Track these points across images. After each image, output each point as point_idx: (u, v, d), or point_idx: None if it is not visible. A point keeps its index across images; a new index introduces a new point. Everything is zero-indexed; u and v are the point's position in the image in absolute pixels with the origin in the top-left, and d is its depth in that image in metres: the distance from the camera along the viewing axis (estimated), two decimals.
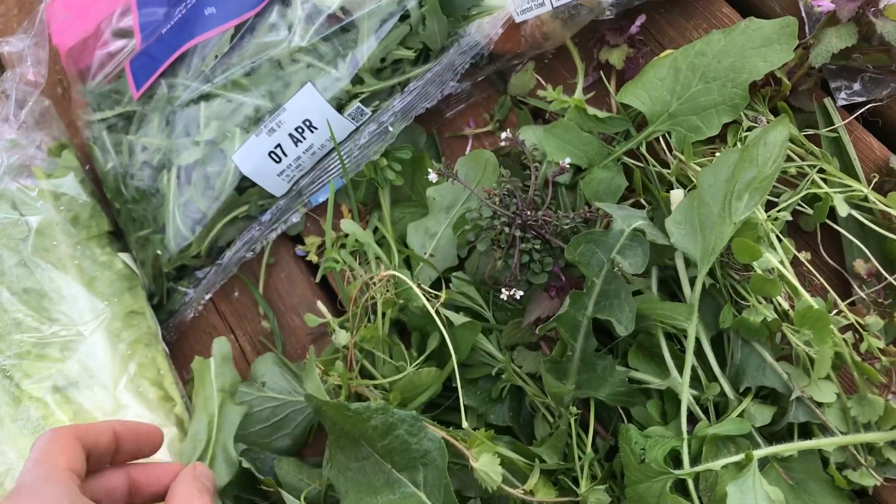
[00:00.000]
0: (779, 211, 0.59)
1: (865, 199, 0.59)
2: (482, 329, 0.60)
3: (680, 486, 0.51)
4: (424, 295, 0.59)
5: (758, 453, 0.51)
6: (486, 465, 0.51)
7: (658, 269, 0.59)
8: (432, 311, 0.58)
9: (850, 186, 0.60)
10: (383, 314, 0.64)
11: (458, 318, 0.60)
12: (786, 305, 0.56)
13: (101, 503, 0.48)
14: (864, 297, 0.59)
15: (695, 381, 0.56)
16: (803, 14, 0.65)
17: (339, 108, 0.68)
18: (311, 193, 0.73)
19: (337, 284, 0.72)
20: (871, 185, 0.60)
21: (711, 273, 0.57)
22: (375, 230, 0.71)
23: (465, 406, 0.57)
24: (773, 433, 0.55)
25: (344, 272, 0.68)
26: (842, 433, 0.53)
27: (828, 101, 0.63)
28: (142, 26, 0.77)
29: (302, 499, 0.59)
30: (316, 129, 0.68)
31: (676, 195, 0.57)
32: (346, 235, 0.69)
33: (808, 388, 0.53)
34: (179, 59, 0.73)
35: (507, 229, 0.58)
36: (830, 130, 0.62)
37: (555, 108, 0.67)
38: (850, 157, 0.62)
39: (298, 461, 0.64)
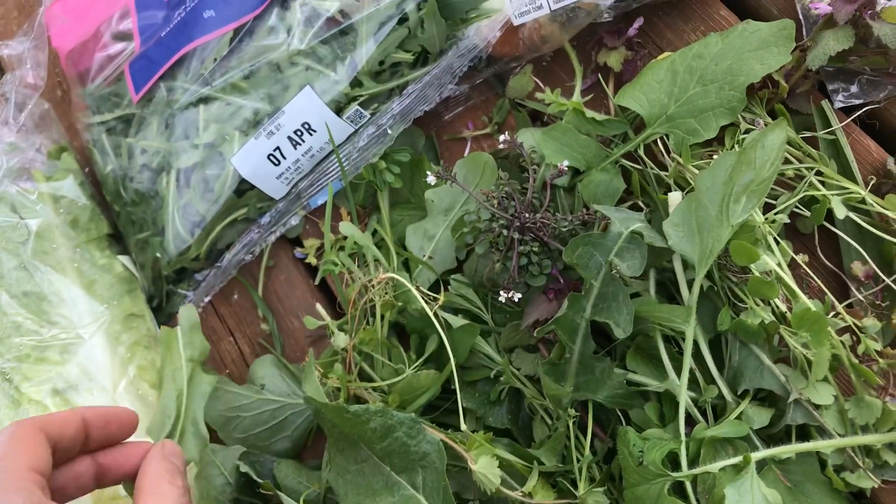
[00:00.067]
0: (776, 213, 0.59)
1: (863, 201, 0.59)
2: (481, 331, 0.60)
3: (678, 489, 0.51)
4: (423, 297, 0.60)
5: (756, 455, 0.51)
6: (485, 467, 0.51)
7: (656, 272, 0.59)
8: (431, 314, 0.59)
9: (848, 189, 0.60)
10: (382, 316, 0.64)
11: (457, 321, 0.60)
12: (783, 308, 0.56)
13: (67, 491, 0.46)
14: (862, 299, 0.59)
15: (693, 384, 0.56)
16: (800, 16, 0.65)
17: (338, 110, 0.68)
18: (309, 196, 0.73)
19: (336, 287, 0.72)
20: (869, 188, 0.60)
21: (709, 275, 0.57)
22: (374, 232, 0.71)
23: (463, 408, 0.57)
24: (770, 435, 0.55)
25: (343, 275, 0.68)
26: (839, 435, 0.54)
27: (825, 103, 0.63)
28: (141, 29, 0.77)
29: (301, 501, 0.59)
30: (315, 131, 0.68)
31: (674, 198, 0.57)
32: (345, 238, 0.69)
33: (806, 391, 0.53)
34: (178, 62, 0.73)
35: (505, 232, 0.58)
36: (828, 133, 0.63)
37: (553, 110, 0.67)
38: (848, 159, 0.62)
39: (297, 464, 0.64)
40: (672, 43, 0.70)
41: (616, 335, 0.53)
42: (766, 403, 0.56)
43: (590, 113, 0.64)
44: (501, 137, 0.64)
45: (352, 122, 0.69)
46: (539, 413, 0.60)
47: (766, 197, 0.57)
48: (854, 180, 0.61)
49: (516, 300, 0.58)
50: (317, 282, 0.75)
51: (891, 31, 0.58)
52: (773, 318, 0.55)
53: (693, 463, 0.52)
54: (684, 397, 0.53)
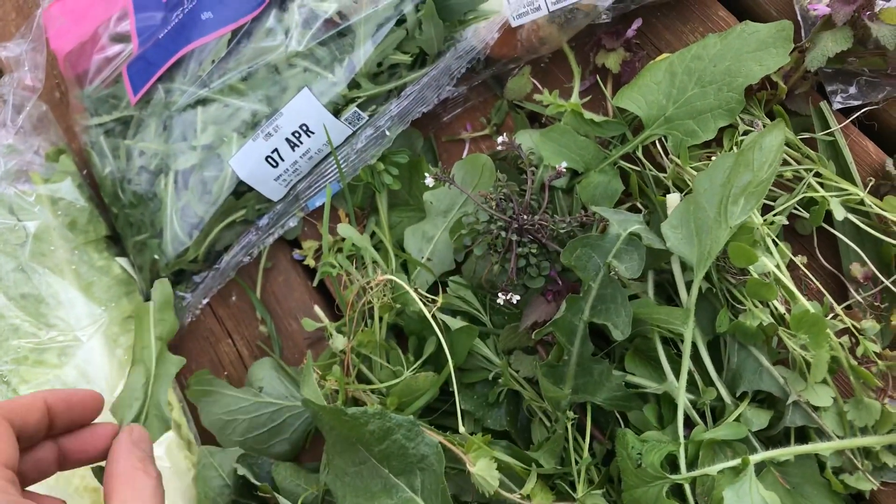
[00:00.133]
0: (775, 215, 0.59)
1: (862, 202, 0.59)
2: (479, 333, 0.60)
3: (677, 491, 0.51)
4: (421, 299, 0.59)
5: (754, 458, 0.51)
6: (483, 469, 0.51)
7: (654, 274, 0.59)
8: (429, 316, 0.58)
9: (847, 190, 0.60)
10: (380, 318, 0.64)
11: (455, 323, 0.60)
12: (782, 309, 0.56)
13: (28, 476, 0.44)
14: (861, 300, 0.59)
15: (691, 386, 0.56)
16: (799, 18, 0.65)
17: (336, 112, 0.68)
18: (308, 198, 0.73)
19: (334, 289, 0.72)
20: (868, 189, 0.60)
21: (708, 277, 0.57)
22: (372, 234, 0.71)
23: (462, 410, 0.57)
24: (769, 437, 0.55)
25: (341, 276, 0.68)
26: (838, 437, 0.53)
27: (824, 104, 0.63)
28: (139, 31, 0.77)
29: None
30: (313, 133, 0.68)
31: (673, 199, 0.57)
32: (344, 239, 0.69)
33: (805, 392, 0.53)
34: (176, 63, 0.73)
35: (503, 233, 0.58)
36: (826, 134, 0.63)
37: (551, 112, 0.67)
38: (847, 160, 0.62)
39: (296, 466, 0.64)
40: (670, 44, 0.70)
41: (614, 337, 0.53)
42: (765, 405, 0.56)
43: (588, 114, 0.64)
44: (500, 139, 0.64)
45: (350, 123, 0.69)
46: (538, 415, 0.60)
47: (765, 198, 0.57)
48: (853, 182, 0.61)
49: (515, 302, 0.58)
50: (315, 283, 0.75)
51: (889, 32, 0.58)
52: (772, 320, 0.55)
53: (692, 465, 0.52)
54: (683, 399, 0.53)
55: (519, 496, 0.53)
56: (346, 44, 0.67)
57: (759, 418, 0.54)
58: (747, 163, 0.52)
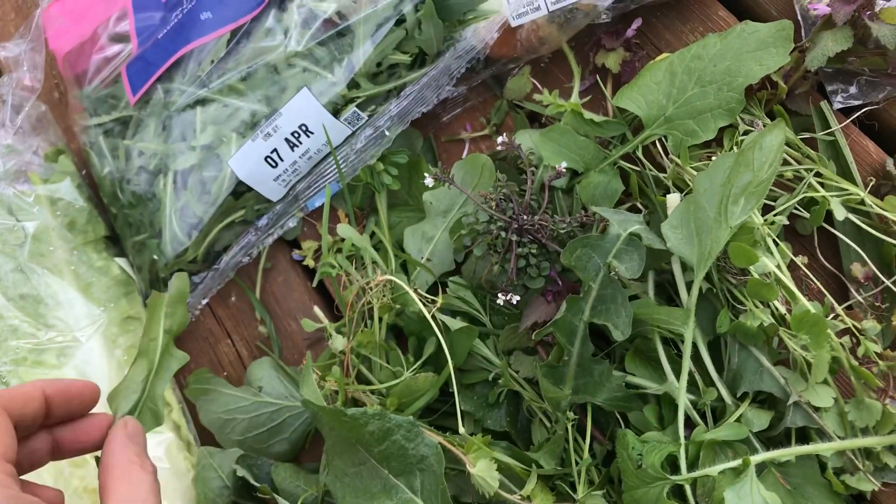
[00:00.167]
0: (775, 215, 0.59)
1: (862, 202, 0.59)
2: (479, 334, 0.60)
3: (677, 492, 0.51)
4: (421, 300, 0.59)
5: (755, 458, 0.51)
6: (483, 470, 0.51)
7: (655, 274, 0.59)
8: (429, 316, 0.58)
9: (847, 190, 0.59)
10: (380, 319, 0.64)
11: (455, 323, 0.60)
12: (783, 310, 0.55)
13: (21, 466, 0.43)
14: (862, 300, 0.59)
15: (692, 386, 0.55)
16: (799, 17, 0.65)
17: (336, 112, 0.68)
18: (307, 198, 0.73)
19: (334, 289, 0.72)
20: (868, 189, 0.60)
21: (708, 277, 0.57)
22: (372, 235, 0.71)
23: (461, 411, 0.57)
24: (770, 438, 0.55)
25: (340, 277, 0.68)
26: (839, 438, 0.53)
27: (824, 104, 0.63)
28: (138, 31, 0.77)
29: None
30: (312, 133, 0.68)
31: (673, 199, 0.57)
32: (343, 240, 0.69)
33: (806, 393, 0.53)
34: (176, 63, 0.73)
35: (503, 234, 0.58)
36: (827, 134, 0.62)
37: (551, 112, 0.66)
38: (847, 160, 0.62)
39: (295, 467, 0.64)
40: (670, 44, 0.70)
41: (615, 337, 0.53)
42: (766, 406, 0.56)
43: (588, 114, 0.64)
44: (499, 139, 0.63)
45: (349, 123, 0.69)
46: (538, 416, 0.60)
47: (765, 198, 0.57)
48: (853, 181, 0.61)
49: (515, 302, 0.58)
50: (314, 284, 0.75)
51: (889, 31, 0.57)
52: (773, 321, 0.55)
53: (692, 466, 0.52)
54: (683, 400, 0.53)
55: (519, 497, 0.53)
56: (346, 44, 0.67)
57: (760, 419, 0.54)
58: (747, 163, 0.52)
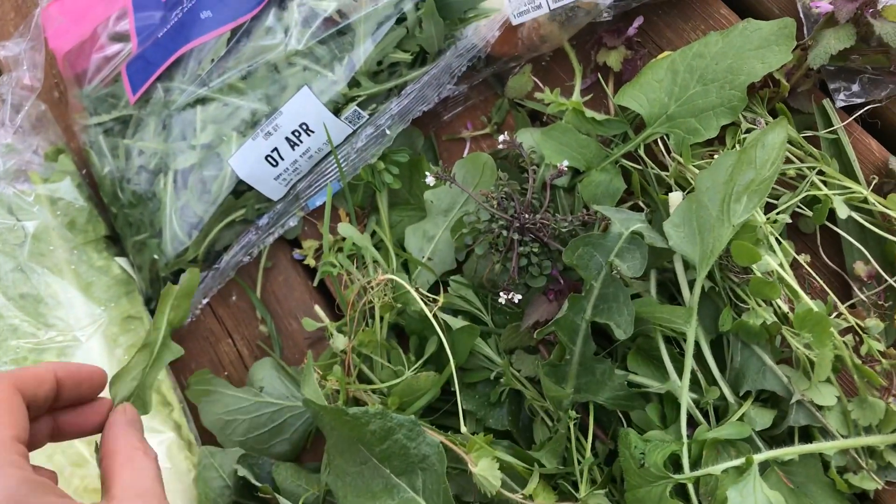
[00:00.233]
0: (778, 213, 0.59)
1: (865, 200, 0.59)
2: (480, 333, 0.60)
3: (680, 491, 0.51)
4: (422, 299, 0.59)
5: (758, 457, 0.50)
6: (485, 469, 0.51)
7: (657, 272, 0.59)
8: (430, 315, 0.58)
9: (850, 188, 0.59)
10: (381, 318, 0.64)
11: (457, 322, 0.60)
12: (785, 308, 0.55)
13: None
14: (865, 299, 0.59)
15: (694, 385, 0.55)
16: (801, 15, 0.65)
17: (336, 111, 0.68)
18: (308, 197, 0.73)
19: (335, 288, 0.72)
20: (871, 187, 0.60)
21: (710, 276, 0.57)
22: (373, 234, 0.71)
23: (463, 410, 0.57)
24: (773, 437, 0.55)
25: (341, 276, 0.68)
26: (842, 436, 0.53)
27: (826, 102, 0.63)
28: (138, 30, 0.77)
29: None
30: (313, 132, 0.68)
31: (675, 198, 0.57)
32: (344, 239, 0.69)
33: (809, 392, 0.53)
34: (176, 62, 0.73)
35: (504, 232, 0.58)
36: (829, 132, 0.62)
37: (552, 110, 0.66)
38: (850, 158, 0.61)
39: (297, 466, 0.64)
40: (672, 42, 0.70)
41: (617, 336, 0.52)
42: (769, 405, 0.55)
43: (589, 113, 0.64)
44: (501, 137, 0.63)
45: (350, 122, 0.68)
46: (540, 415, 0.60)
47: (768, 197, 0.57)
48: (856, 180, 0.61)
49: (516, 301, 0.58)
50: (315, 283, 0.75)
51: (892, 29, 0.57)
52: (775, 319, 0.54)
53: (695, 465, 0.51)
54: (686, 399, 0.53)
55: (521, 496, 0.53)
56: (346, 42, 0.67)
57: (763, 417, 0.54)
58: (750, 161, 0.52)
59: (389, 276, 0.61)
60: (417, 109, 0.70)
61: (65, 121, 0.85)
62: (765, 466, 0.53)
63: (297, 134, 0.68)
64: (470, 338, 0.58)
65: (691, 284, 0.54)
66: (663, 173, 0.62)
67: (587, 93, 0.71)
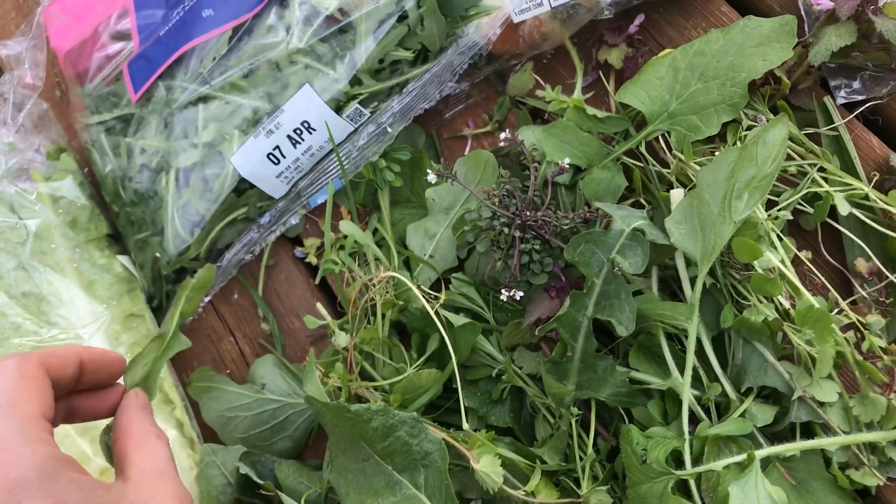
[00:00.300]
0: (779, 210, 0.59)
1: (866, 197, 0.59)
2: (482, 330, 0.60)
3: (682, 487, 0.51)
4: (424, 296, 0.59)
5: (760, 453, 0.50)
6: (487, 466, 0.51)
7: (658, 269, 0.59)
8: (432, 313, 0.58)
9: (851, 185, 0.59)
10: (383, 316, 0.64)
11: (458, 319, 0.60)
12: (787, 305, 0.55)
13: None
14: (866, 295, 0.59)
15: (696, 382, 0.55)
16: (802, 12, 0.65)
17: (338, 109, 0.68)
18: (309, 195, 0.73)
19: (336, 286, 0.72)
20: (872, 184, 0.60)
21: (712, 272, 0.57)
22: (375, 231, 0.71)
23: (465, 407, 0.57)
24: (775, 433, 0.55)
25: (343, 274, 0.68)
26: (844, 433, 0.53)
27: (827, 99, 0.63)
28: (140, 29, 0.77)
29: (302, 502, 0.58)
30: (314, 130, 0.68)
31: (676, 195, 0.57)
32: (346, 237, 0.69)
33: (810, 388, 0.53)
34: (177, 61, 0.73)
35: (506, 230, 0.58)
36: (830, 129, 0.62)
37: (554, 108, 0.66)
38: (851, 155, 0.61)
39: (299, 464, 0.64)
40: (673, 40, 0.70)
41: (618, 333, 0.52)
42: (770, 401, 0.56)
43: (591, 110, 0.64)
44: (502, 135, 0.63)
45: (351, 120, 0.69)
46: (541, 412, 0.60)
47: (769, 194, 0.57)
48: (857, 176, 0.61)
49: (518, 298, 0.58)
50: (317, 281, 0.75)
51: (893, 26, 0.57)
52: (777, 316, 0.54)
53: (697, 461, 0.51)
54: (687, 395, 0.53)
55: (523, 493, 0.53)
56: (348, 40, 0.67)
57: (765, 414, 0.54)
58: (751, 157, 0.52)
59: (391, 273, 0.61)
60: (419, 107, 0.70)
61: (66, 119, 0.85)
62: (766, 463, 0.53)
63: (298, 132, 0.68)
64: (472, 335, 0.59)
65: (693, 281, 0.54)
66: (665, 170, 0.62)
67: (588, 90, 0.71)
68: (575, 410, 0.55)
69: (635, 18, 0.68)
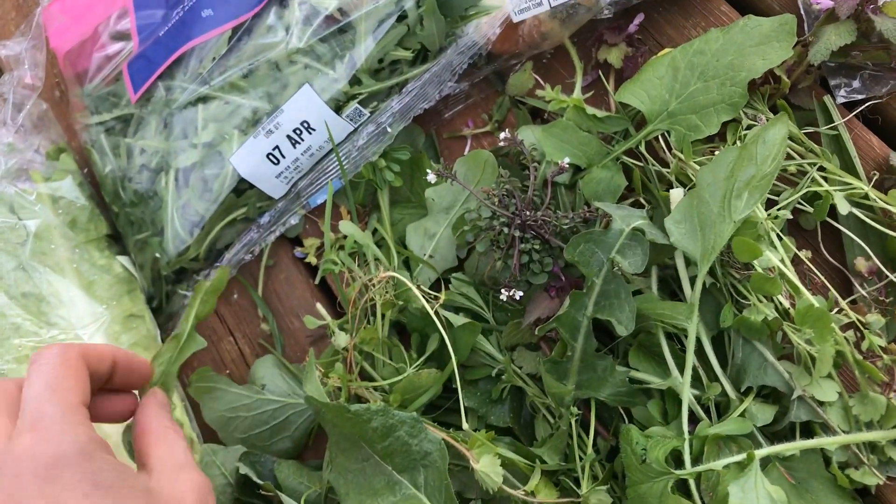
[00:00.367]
0: (779, 209, 0.59)
1: (866, 196, 0.59)
2: (482, 330, 0.60)
3: (681, 487, 0.51)
4: (424, 296, 0.59)
5: (759, 453, 0.50)
6: (487, 466, 0.51)
7: (658, 269, 0.59)
8: (432, 313, 0.58)
9: (851, 184, 0.59)
10: (383, 316, 0.64)
11: (458, 319, 0.60)
12: (787, 304, 0.55)
13: None
14: (866, 295, 0.59)
15: (696, 381, 0.55)
16: (802, 11, 0.65)
17: (337, 109, 0.68)
18: (309, 195, 0.73)
19: (336, 286, 0.72)
20: (872, 183, 0.60)
21: (712, 272, 0.57)
22: (374, 231, 0.71)
23: (465, 407, 0.57)
24: (774, 432, 0.55)
25: (343, 274, 0.68)
26: (844, 432, 0.53)
27: (827, 98, 0.63)
28: (139, 29, 0.77)
29: (302, 502, 0.58)
30: (314, 130, 0.68)
31: (676, 194, 0.57)
32: (345, 237, 0.69)
33: (810, 387, 0.53)
34: (177, 61, 0.73)
35: (506, 230, 0.58)
36: (830, 128, 0.62)
37: (553, 107, 0.66)
38: (851, 154, 0.61)
39: (298, 464, 0.64)
40: (673, 39, 0.70)
41: (618, 333, 0.52)
42: (770, 400, 0.55)
43: (590, 110, 0.64)
44: (502, 135, 0.63)
45: (351, 120, 0.69)
46: (541, 411, 0.60)
47: (769, 193, 0.57)
48: (857, 176, 0.61)
49: (518, 298, 0.58)
50: (317, 281, 0.75)
51: (893, 25, 0.57)
52: (777, 315, 0.54)
53: (696, 460, 0.51)
54: (687, 395, 0.53)
55: (523, 493, 0.53)
56: (347, 40, 0.67)
57: (764, 413, 0.54)
58: (751, 157, 0.52)
59: (391, 273, 0.61)
60: (418, 107, 0.70)
61: (66, 120, 0.85)
62: (766, 462, 0.53)
63: (298, 132, 0.68)
64: (471, 335, 0.58)
65: (692, 281, 0.54)
66: (664, 170, 0.62)
67: (588, 90, 0.71)
68: (575, 410, 0.55)
69: (635, 18, 0.68)
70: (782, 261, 0.56)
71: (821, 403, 0.53)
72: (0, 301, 0.68)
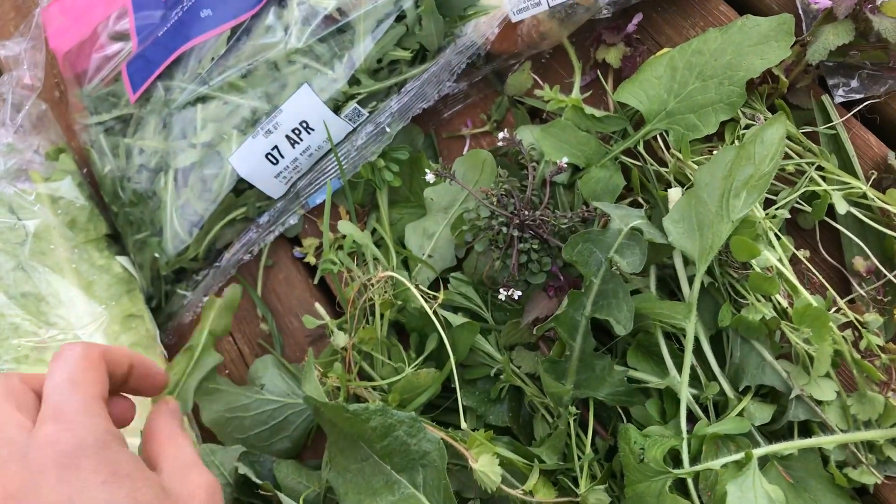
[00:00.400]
0: (777, 209, 0.59)
1: (864, 196, 0.59)
2: (481, 329, 0.60)
3: (680, 486, 0.51)
4: (422, 296, 0.59)
5: (757, 452, 0.50)
6: (486, 465, 0.51)
7: (656, 268, 0.59)
8: (430, 312, 0.58)
9: (849, 184, 0.59)
10: (381, 315, 0.64)
11: (457, 319, 0.60)
12: (785, 303, 0.55)
13: None
14: (864, 294, 0.59)
15: (694, 380, 0.55)
16: (800, 11, 0.65)
17: (336, 109, 0.68)
18: (308, 195, 0.73)
19: (335, 286, 0.72)
20: (870, 182, 0.60)
21: (710, 271, 0.57)
22: (373, 231, 0.71)
23: (463, 407, 0.57)
24: (772, 432, 0.55)
25: (342, 273, 0.68)
26: (842, 431, 0.53)
27: (825, 98, 0.63)
28: (138, 29, 0.77)
29: (301, 501, 0.58)
30: (313, 130, 0.68)
31: (674, 194, 0.57)
32: (344, 237, 0.69)
33: (808, 387, 0.53)
34: (176, 61, 0.73)
35: (504, 229, 0.58)
36: (828, 127, 0.62)
37: (552, 107, 0.66)
38: (849, 154, 0.61)
39: (297, 464, 0.64)
40: (671, 39, 0.70)
41: (617, 332, 0.52)
42: (768, 400, 0.56)
43: (589, 109, 0.64)
44: (500, 135, 0.63)
45: (350, 120, 0.69)
46: (540, 411, 0.60)
47: (767, 192, 0.57)
48: (855, 175, 0.61)
49: (516, 298, 0.58)
50: (316, 281, 0.75)
51: (891, 25, 0.57)
52: (775, 314, 0.54)
53: (695, 460, 0.52)
54: (685, 394, 0.53)
55: (521, 492, 0.53)
56: (346, 40, 0.67)
57: (762, 413, 0.54)
58: (749, 156, 0.52)
59: (390, 273, 0.61)
60: (417, 107, 0.70)
61: (65, 120, 0.85)
62: (764, 461, 0.53)
63: (297, 132, 0.68)
64: (470, 334, 0.59)
65: (691, 280, 0.54)
66: (662, 169, 0.62)
67: (586, 90, 0.71)
68: (573, 409, 0.55)
69: (633, 18, 0.68)
70: (780, 260, 0.56)
71: (819, 402, 0.54)
72: None
